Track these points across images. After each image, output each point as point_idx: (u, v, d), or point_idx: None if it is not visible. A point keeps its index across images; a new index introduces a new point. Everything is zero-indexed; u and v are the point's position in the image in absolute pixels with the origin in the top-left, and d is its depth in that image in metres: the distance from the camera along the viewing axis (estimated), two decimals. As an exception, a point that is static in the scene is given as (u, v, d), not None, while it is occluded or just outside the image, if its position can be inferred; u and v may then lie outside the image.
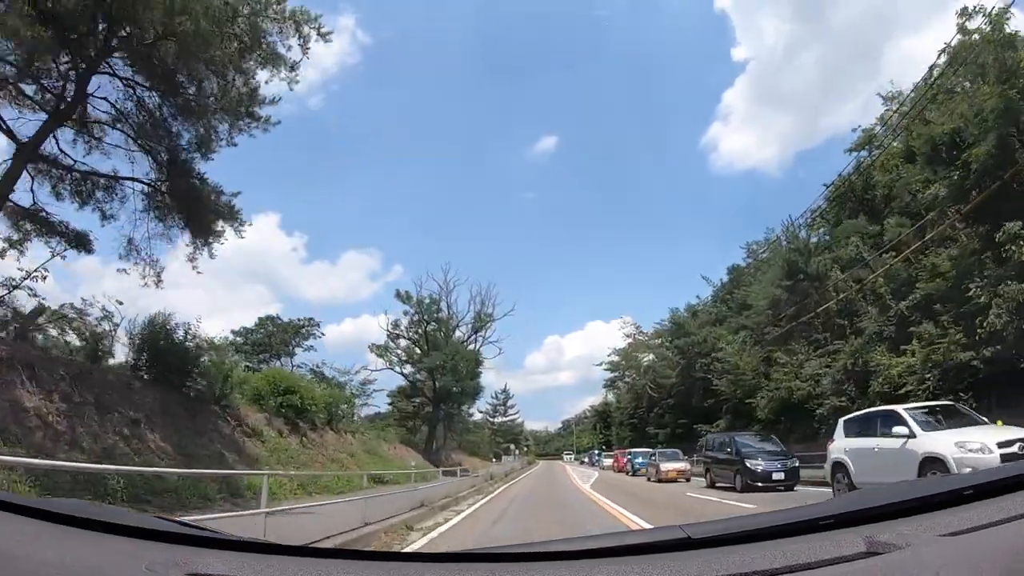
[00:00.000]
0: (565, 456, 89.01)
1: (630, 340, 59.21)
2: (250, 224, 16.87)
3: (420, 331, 48.40)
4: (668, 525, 1.15)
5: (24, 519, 1.04)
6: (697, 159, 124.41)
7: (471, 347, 50.34)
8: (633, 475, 32.42)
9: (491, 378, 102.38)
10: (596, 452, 60.88)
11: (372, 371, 47.79)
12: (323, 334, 48.71)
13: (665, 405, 50.35)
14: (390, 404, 52.57)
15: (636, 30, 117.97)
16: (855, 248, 25.87)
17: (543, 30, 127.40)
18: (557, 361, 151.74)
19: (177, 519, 1.38)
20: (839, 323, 25.91)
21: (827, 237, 29.72)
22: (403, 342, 49.19)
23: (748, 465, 16.04)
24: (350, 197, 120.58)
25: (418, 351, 48.18)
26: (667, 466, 24.20)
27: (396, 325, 49.01)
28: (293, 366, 43.36)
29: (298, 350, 46.54)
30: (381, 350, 48.38)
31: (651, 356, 53.58)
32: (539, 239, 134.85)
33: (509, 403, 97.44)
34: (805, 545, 0.90)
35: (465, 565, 0.97)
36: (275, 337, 44.01)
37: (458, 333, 50.78)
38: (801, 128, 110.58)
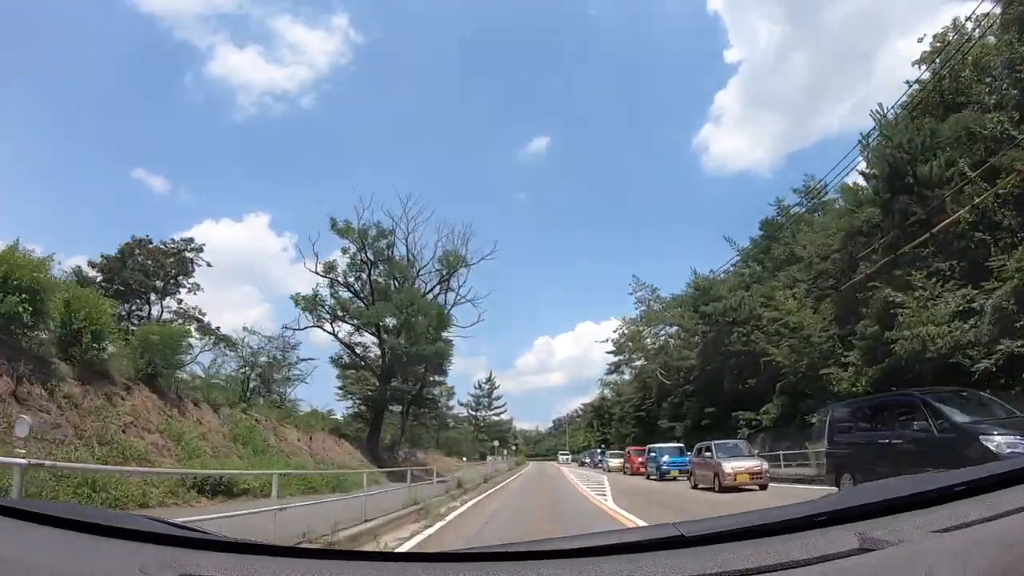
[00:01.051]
0: (560, 457, 73.49)
1: (643, 308, 49.25)
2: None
3: (364, 275, 32.43)
4: (662, 523, 1.12)
5: (15, 521, 1.04)
6: (690, 160, 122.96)
7: (436, 300, 34.62)
8: (660, 480, 23.41)
9: (479, 372, 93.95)
10: (598, 451, 51.33)
11: (294, 331, 32.61)
12: (208, 263, 33.21)
13: (682, 392, 41.67)
14: (340, 390, 38.63)
15: (628, 32, 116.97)
16: (996, 125, 17.18)
17: (534, 32, 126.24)
18: (548, 362, 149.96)
19: (171, 521, 1.26)
20: (978, 238, 17.16)
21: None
22: (343, 293, 33.21)
23: (996, 451, 7.16)
24: (338, 197, 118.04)
25: (360, 303, 32.20)
26: (735, 466, 15.22)
27: (331, 268, 32.37)
28: (164, 312, 31.15)
29: (182, 291, 31.94)
30: (308, 302, 31.42)
31: (666, 332, 44.39)
32: (530, 240, 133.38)
33: (495, 395, 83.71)
34: (799, 542, 0.90)
35: (461, 565, 0.95)
36: (136, 268, 29.50)
37: (419, 284, 34.53)
38: (793, 129, 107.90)
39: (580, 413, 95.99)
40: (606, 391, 73.17)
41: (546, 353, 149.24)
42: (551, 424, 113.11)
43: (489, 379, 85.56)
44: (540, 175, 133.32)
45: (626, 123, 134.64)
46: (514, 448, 76.47)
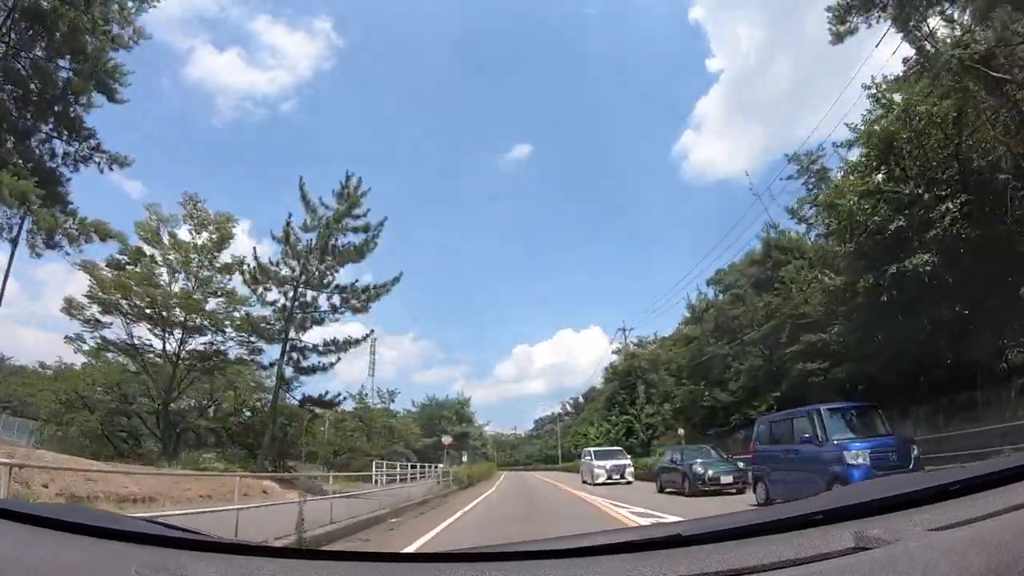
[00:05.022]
0: (595, 466, 23.51)
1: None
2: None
3: None
4: (660, 523, 1.15)
5: (14, 524, 1.01)
6: (669, 168, 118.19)
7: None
8: None
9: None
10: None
11: None
12: None
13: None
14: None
15: (610, 40, 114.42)
16: None
17: (516, 40, 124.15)
18: (527, 370, 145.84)
19: (167, 522, 1.22)
20: None
21: None
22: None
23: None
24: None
25: None
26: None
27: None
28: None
29: None
30: None
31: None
32: (513, 246, 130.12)
33: (369, 242, 22.84)
34: (795, 541, 0.89)
35: (457, 565, 0.94)
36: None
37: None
38: (775, 137, 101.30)
39: (567, 411, 74.39)
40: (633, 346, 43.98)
41: (526, 361, 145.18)
42: (532, 426, 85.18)
43: (345, 184, 23.00)
44: (522, 182, 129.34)
45: (606, 131, 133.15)
46: (450, 438, 33.73)
